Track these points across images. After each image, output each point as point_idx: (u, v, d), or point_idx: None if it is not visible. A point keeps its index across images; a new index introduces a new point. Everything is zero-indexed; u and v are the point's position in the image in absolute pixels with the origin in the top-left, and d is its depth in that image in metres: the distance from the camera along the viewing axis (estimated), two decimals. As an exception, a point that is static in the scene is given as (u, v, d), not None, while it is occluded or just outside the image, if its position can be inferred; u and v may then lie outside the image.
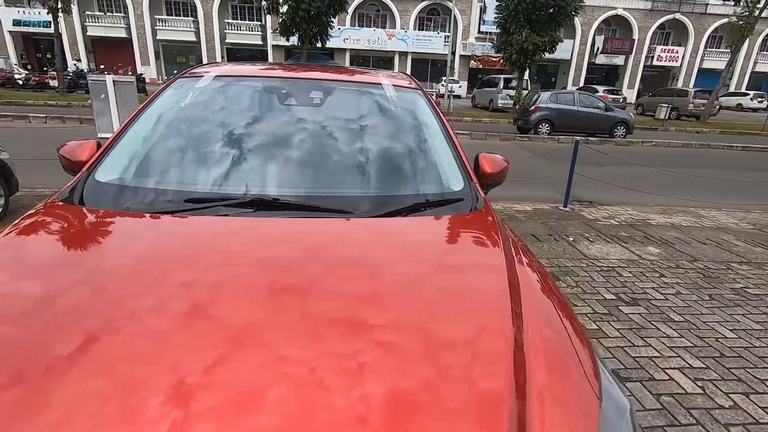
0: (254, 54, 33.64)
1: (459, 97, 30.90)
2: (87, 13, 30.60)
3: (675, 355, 2.56)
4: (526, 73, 20.60)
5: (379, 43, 33.52)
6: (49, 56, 29.93)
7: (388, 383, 0.73)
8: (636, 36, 35.11)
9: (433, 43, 33.40)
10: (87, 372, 0.71)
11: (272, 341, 0.80)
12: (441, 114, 1.95)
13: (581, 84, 33.49)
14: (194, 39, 32.26)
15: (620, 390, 0.90)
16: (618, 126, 13.49)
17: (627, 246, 4.40)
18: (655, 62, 36.25)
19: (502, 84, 20.65)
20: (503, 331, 0.90)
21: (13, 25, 29.76)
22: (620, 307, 3.11)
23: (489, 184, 1.87)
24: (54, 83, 18.71)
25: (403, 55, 34.28)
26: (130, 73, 16.62)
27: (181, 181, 1.45)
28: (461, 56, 34.57)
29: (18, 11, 29.56)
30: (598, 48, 35.44)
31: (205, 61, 32.00)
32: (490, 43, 19.27)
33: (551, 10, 16.91)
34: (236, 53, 33.43)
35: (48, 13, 17.31)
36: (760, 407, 2.14)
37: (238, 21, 33.17)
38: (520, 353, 0.85)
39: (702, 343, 2.71)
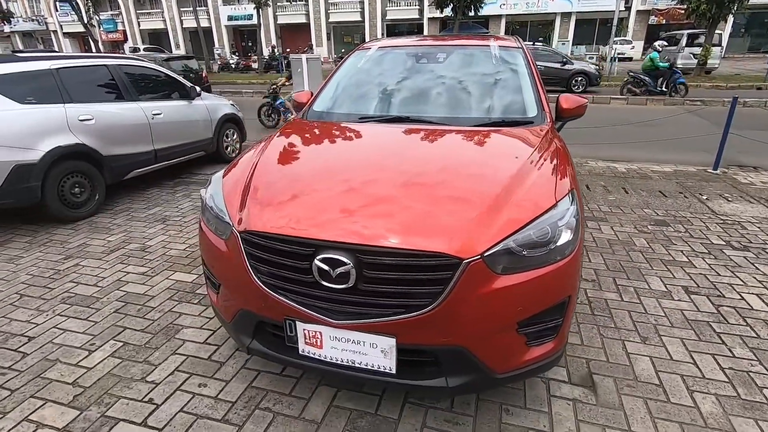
0: (411, 28, 35.15)
1: (630, 59, 27.19)
2: (278, 4, 36.26)
3: (761, 286, 2.76)
4: (726, 26, 17.01)
5: (540, 6, 31.35)
6: (250, 44, 36.85)
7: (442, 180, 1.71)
8: None
9: (604, -1, 29.67)
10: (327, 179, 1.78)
11: (399, 161, 1.86)
12: (533, 66, 2.64)
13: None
14: (359, 18, 35.36)
15: (574, 206, 1.61)
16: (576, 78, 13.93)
17: (773, 207, 4.16)
18: None
19: (684, 41, 17.60)
20: (511, 169, 1.71)
21: (228, 20, 37.28)
22: (724, 250, 3.27)
23: (566, 116, 2.55)
24: (255, 65, 23.36)
25: (566, 16, 31.41)
26: (312, 51, 19.78)
27: (355, 109, 2.61)
28: (638, 12, 29.99)
29: (231, 8, 36.85)
30: None
31: (367, 38, 34.95)
32: (678, -7, 16.27)
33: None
34: (395, 28, 35.47)
35: (254, 8, 21.57)
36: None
37: (399, -3, 34.98)
38: (520, 177, 1.66)
39: (803, 283, 2.79)
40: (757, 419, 1.76)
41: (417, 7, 34.07)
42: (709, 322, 2.41)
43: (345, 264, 1.40)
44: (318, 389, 1.93)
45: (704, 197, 4.49)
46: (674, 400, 1.86)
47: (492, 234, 1.43)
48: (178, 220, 3.95)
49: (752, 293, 2.69)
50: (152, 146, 4.68)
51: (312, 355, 1.58)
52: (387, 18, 35.11)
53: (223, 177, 1.95)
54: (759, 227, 3.70)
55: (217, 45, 36.02)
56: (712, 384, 1.95)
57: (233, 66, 24.86)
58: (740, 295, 2.66)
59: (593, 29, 31.67)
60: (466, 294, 1.40)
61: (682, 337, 2.28)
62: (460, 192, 1.62)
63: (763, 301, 2.61)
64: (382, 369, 1.52)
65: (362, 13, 35.22)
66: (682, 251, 3.27)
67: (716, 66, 17.37)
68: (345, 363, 1.55)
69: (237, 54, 33.22)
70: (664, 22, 29.21)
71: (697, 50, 16.63)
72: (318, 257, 1.43)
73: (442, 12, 20.71)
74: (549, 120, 2.30)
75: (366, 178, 1.73)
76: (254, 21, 22.62)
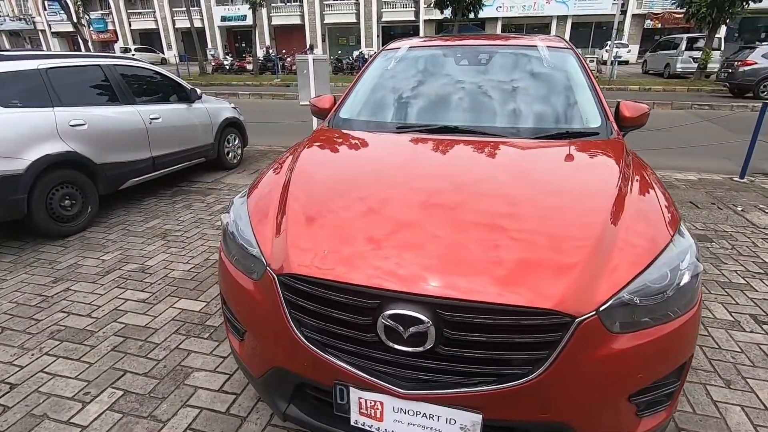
0: (406, 30, 34.89)
1: (626, 63, 27.22)
2: (273, 5, 35.81)
3: (835, 314, 2.49)
4: (722, 30, 17.02)
5: (536, 9, 31.30)
6: (243, 45, 36.35)
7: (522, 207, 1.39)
8: None
9: (599, 2, 29.69)
10: (354, 201, 1.49)
11: (473, 187, 1.54)
12: (588, 69, 2.35)
13: (808, 39, 25.94)
14: (355, 20, 35.02)
15: (691, 241, 1.32)
16: None
17: (815, 220, 3.92)
18: None
19: (684, 44, 17.55)
20: (607, 195, 1.41)
21: (221, 20, 36.72)
22: (781, 271, 3.01)
23: (628, 126, 2.24)
24: (250, 67, 22.93)
25: (562, 19, 31.39)
26: (313, 52, 19.49)
27: (391, 117, 2.31)
28: (633, 15, 30.07)
29: (224, 9, 36.29)
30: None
31: (362, 40, 34.73)
32: (674, -4, 16.17)
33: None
34: (390, 30, 35.19)
35: (249, 8, 21.18)
36: None
37: (394, -1, 34.73)
38: (620, 207, 1.36)
39: None
40: None
41: (413, 9, 33.85)
42: (790, 357, 2.13)
43: (422, 322, 1.09)
44: (362, 454, 1.61)
45: (740, 209, 4.25)
46: (787, 465, 1.57)
47: (605, 283, 1.13)
48: (180, 235, 3.60)
49: (828, 322, 2.42)
50: (150, 153, 4.32)
51: (368, 428, 1.27)
52: (383, 20, 34.82)
53: (247, 199, 1.63)
54: (809, 243, 3.45)
55: (210, 46, 35.48)
56: (824, 443, 1.66)
57: (228, 67, 24.40)
58: (817, 326, 2.39)
59: (589, 32, 31.69)
60: (577, 359, 1.09)
61: (769, 379, 2.00)
62: (557, 228, 1.30)
63: (844, 332, 2.34)
64: None
65: (357, 15, 34.90)
66: (736, 271, 2.99)
67: (716, 70, 17.34)
68: None
69: (230, 55, 32.71)
70: (659, 26, 29.32)
71: (697, 54, 16.59)
72: (386, 312, 1.12)
73: (442, 13, 20.54)
74: (616, 131, 2.01)
75: (434, 210, 1.40)
76: (248, 22, 22.24)
